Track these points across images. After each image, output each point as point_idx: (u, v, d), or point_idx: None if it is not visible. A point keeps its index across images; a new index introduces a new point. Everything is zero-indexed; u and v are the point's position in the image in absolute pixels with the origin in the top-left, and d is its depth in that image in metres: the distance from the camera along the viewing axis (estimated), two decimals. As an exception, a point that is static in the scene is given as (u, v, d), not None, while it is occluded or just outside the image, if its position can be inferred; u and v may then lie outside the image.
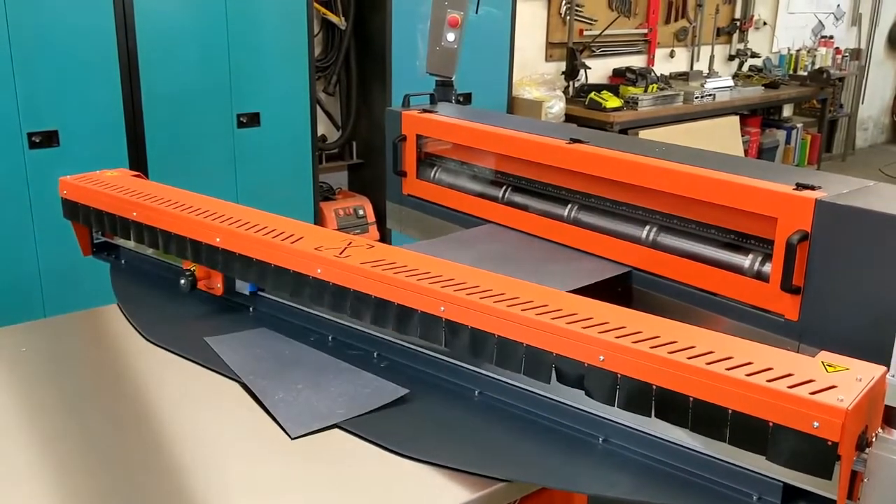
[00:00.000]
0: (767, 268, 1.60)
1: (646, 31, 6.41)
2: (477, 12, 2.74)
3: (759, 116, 6.91)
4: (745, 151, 6.43)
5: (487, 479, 1.20)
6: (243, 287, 1.74)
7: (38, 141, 3.26)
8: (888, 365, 1.12)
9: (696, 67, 6.80)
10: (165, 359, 1.56)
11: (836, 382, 1.06)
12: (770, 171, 1.69)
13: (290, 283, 1.56)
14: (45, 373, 1.53)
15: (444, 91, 2.57)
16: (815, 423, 1.01)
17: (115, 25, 3.36)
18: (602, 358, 1.19)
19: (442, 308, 1.36)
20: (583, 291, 1.64)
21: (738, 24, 7.14)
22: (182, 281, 1.75)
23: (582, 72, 5.80)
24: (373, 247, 1.54)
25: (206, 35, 3.65)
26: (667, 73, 6.30)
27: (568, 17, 5.81)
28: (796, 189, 1.53)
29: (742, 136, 6.30)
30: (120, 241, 2.02)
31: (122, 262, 2.03)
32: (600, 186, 1.95)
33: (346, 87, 4.70)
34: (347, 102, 4.71)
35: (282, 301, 1.71)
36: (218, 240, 1.66)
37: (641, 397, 1.16)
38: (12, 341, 1.63)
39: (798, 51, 7.64)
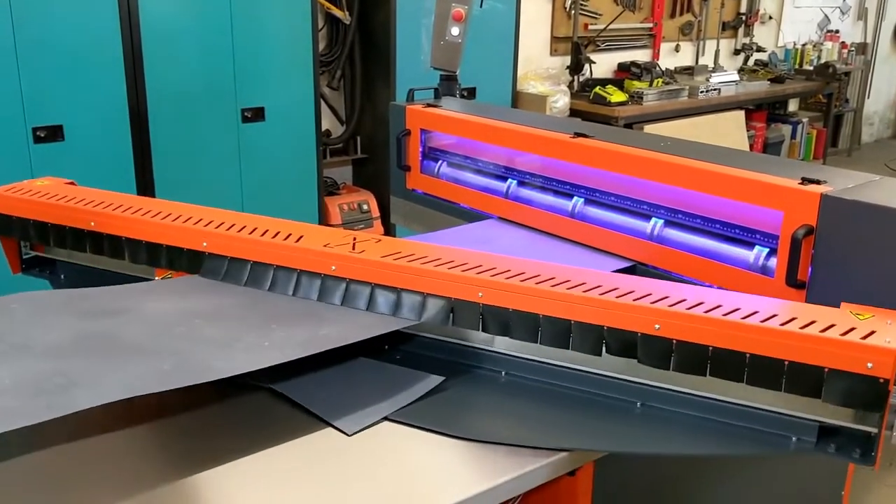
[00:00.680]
0: (772, 262, 1.59)
1: (651, 25, 6.39)
2: (482, 6, 2.74)
3: (764, 111, 6.88)
4: (751, 146, 6.41)
5: (542, 452, 1.23)
6: None
7: (42, 135, 3.27)
8: None
9: (701, 62, 6.78)
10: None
11: (874, 328, 1.19)
12: (775, 166, 1.69)
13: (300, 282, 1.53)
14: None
15: (448, 85, 2.57)
16: (869, 364, 1.14)
17: (120, 19, 3.36)
18: (658, 327, 1.27)
19: (480, 294, 1.39)
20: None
21: (744, 18, 7.11)
22: None
23: (587, 66, 5.79)
24: (380, 241, 1.55)
25: (211, 29, 3.65)
26: (672, 68, 6.28)
27: (573, 12, 5.80)
28: (802, 183, 1.53)
29: (747, 130, 6.28)
30: (57, 255, 1.83)
31: (62, 276, 1.85)
32: (605, 181, 1.94)
33: (350, 82, 4.69)
34: (351, 97, 4.71)
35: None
36: (205, 244, 1.60)
37: (697, 359, 1.26)
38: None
39: (804, 45, 7.61)
